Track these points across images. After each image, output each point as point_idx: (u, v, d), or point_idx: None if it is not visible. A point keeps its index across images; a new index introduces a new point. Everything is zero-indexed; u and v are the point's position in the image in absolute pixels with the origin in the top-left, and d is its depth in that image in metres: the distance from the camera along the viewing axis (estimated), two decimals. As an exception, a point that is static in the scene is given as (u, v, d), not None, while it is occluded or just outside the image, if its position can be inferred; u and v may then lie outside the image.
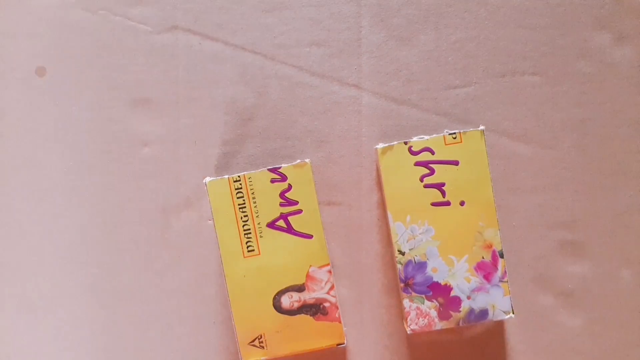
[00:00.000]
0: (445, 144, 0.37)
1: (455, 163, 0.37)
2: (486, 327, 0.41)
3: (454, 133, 0.37)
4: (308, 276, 0.36)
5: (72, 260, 0.42)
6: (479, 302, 0.37)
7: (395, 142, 0.37)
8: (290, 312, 0.36)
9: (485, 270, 0.37)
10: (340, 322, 0.37)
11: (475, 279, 0.36)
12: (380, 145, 0.37)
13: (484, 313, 0.37)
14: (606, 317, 0.41)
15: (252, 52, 0.42)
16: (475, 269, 0.37)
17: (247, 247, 0.36)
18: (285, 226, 0.37)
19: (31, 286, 0.42)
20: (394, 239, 0.37)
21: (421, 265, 0.37)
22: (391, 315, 0.41)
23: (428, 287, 0.37)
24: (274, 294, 0.36)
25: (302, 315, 0.36)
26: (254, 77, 0.42)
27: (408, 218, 0.37)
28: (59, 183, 0.42)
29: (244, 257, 0.37)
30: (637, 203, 0.41)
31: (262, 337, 0.37)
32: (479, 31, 0.41)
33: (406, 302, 0.37)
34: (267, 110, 0.42)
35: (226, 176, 0.37)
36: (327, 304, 0.36)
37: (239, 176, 0.36)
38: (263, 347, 0.37)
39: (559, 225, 0.41)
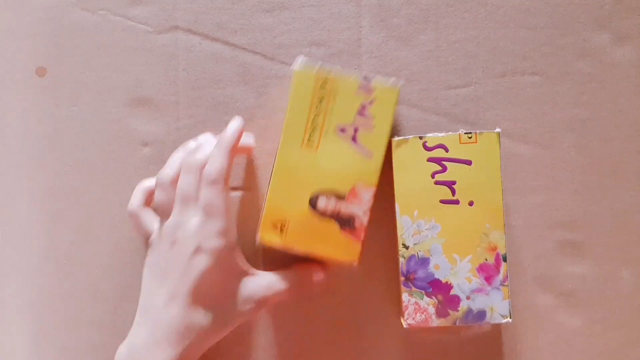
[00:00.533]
0: (460, 143, 0.37)
1: (468, 163, 0.37)
2: (485, 326, 0.41)
3: (470, 133, 0.37)
4: (352, 190, 0.36)
5: (72, 260, 0.42)
6: (477, 303, 0.37)
7: (410, 136, 0.37)
8: (322, 214, 0.36)
9: (487, 272, 0.37)
10: (361, 242, 0.36)
11: (477, 280, 0.36)
12: (395, 138, 0.37)
13: (481, 314, 0.37)
14: (606, 317, 0.41)
15: (252, 52, 0.42)
16: (478, 270, 0.37)
17: (309, 137, 0.36)
18: (352, 135, 0.36)
19: (31, 286, 0.42)
20: (399, 232, 0.37)
21: (424, 261, 0.37)
22: (391, 314, 0.41)
23: (428, 283, 0.37)
24: (315, 190, 0.36)
25: (332, 221, 0.36)
26: (254, 77, 0.42)
27: (415, 213, 0.37)
28: (59, 183, 0.42)
29: (302, 145, 0.36)
30: (637, 203, 0.41)
31: (286, 223, 0.36)
32: (479, 31, 0.41)
33: (405, 296, 0.37)
34: (267, 110, 0.42)
35: (317, 66, 0.36)
36: (357, 222, 0.36)
37: (330, 71, 0.36)
38: (282, 232, 0.36)
39: (558, 225, 0.41)
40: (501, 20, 0.41)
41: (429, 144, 0.37)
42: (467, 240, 0.37)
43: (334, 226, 0.36)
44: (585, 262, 0.41)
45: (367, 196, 0.36)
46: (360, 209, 0.36)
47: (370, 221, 0.36)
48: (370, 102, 0.36)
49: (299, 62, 0.36)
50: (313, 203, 0.36)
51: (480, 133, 0.36)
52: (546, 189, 0.41)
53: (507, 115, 0.41)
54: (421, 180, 0.37)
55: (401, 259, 0.37)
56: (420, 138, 0.37)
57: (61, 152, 0.42)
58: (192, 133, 0.42)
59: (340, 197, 0.36)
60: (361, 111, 0.36)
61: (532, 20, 0.41)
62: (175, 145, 0.42)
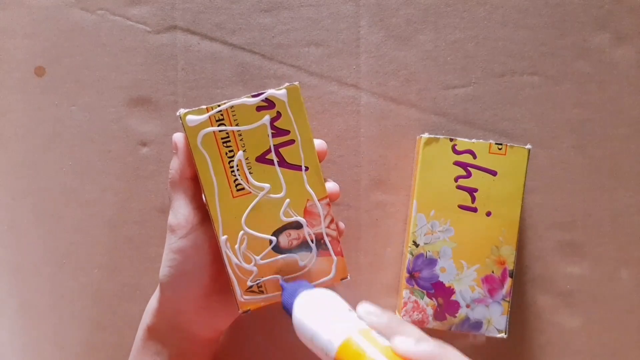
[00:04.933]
0: (489, 152, 0.37)
1: (494, 173, 0.37)
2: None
3: (500, 144, 0.37)
4: (306, 211, 0.33)
5: (72, 260, 0.42)
6: (476, 313, 0.37)
7: (441, 136, 0.37)
8: (290, 251, 0.33)
9: (492, 285, 0.37)
10: (342, 256, 0.34)
11: (479, 290, 0.37)
12: (426, 135, 0.37)
13: (478, 325, 0.37)
14: (605, 317, 0.41)
15: (250, 52, 0.42)
16: (483, 280, 0.37)
17: (236, 186, 0.32)
18: (277, 159, 0.33)
19: (31, 286, 0.43)
20: (412, 229, 0.37)
21: (431, 262, 0.37)
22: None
23: (432, 284, 0.37)
24: (270, 233, 0.33)
25: (303, 253, 0.33)
26: (252, 77, 0.42)
27: (432, 212, 0.37)
28: (59, 183, 0.42)
29: (233, 197, 0.33)
30: (635, 203, 0.41)
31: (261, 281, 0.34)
32: (478, 31, 0.41)
33: (406, 293, 0.37)
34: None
35: (204, 106, 0.32)
36: (328, 239, 0.34)
37: (219, 105, 0.32)
38: (263, 292, 0.33)
39: (557, 225, 0.41)
40: (500, 20, 0.41)
41: (458, 148, 0.37)
42: (478, 250, 0.37)
43: (309, 255, 0.34)
44: (584, 262, 0.41)
45: (323, 210, 0.33)
46: (323, 225, 0.34)
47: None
48: (277, 117, 0.32)
49: (185, 116, 0.32)
50: (275, 247, 0.33)
51: (511, 146, 0.36)
52: (545, 189, 0.41)
53: (506, 115, 0.41)
54: (444, 182, 0.37)
55: (409, 256, 0.37)
56: (451, 140, 0.37)
57: (60, 152, 0.42)
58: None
59: (298, 225, 0.33)
60: (273, 130, 0.32)
61: (531, 20, 0.41)
62: (174, 145, 0.42)
